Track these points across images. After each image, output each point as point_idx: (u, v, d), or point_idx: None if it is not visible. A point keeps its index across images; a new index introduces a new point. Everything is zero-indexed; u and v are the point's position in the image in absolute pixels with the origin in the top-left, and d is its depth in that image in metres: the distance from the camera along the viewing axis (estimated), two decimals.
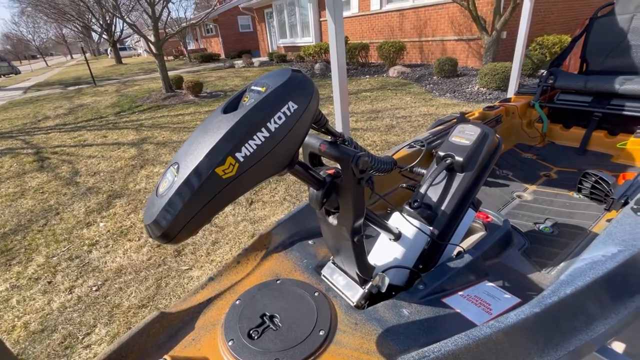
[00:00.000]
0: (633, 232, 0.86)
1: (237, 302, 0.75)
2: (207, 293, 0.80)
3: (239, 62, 15.34)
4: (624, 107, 1.90)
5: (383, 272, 0.85)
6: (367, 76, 9.44)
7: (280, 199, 3.22)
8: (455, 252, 0.99)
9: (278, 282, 0.81)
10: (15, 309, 2.17)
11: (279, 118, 0.49)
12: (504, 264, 1.08)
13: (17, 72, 31.68)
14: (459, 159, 0.98)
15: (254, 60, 15.37)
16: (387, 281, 0.75)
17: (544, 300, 0.70)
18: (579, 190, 1.64)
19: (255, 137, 0.47)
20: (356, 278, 0.76)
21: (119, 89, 11.88)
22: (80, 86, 14.14)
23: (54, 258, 2.65)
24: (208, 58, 19.65)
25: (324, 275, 0.83)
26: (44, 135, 6.55)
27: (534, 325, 0.63)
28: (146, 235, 2.81)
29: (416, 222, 0.88)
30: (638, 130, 1.84)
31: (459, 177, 0.99)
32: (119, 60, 25.68)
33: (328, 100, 7.18)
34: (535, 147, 2.21)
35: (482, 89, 6.61)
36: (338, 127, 2.01)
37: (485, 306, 0.82)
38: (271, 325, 0.68)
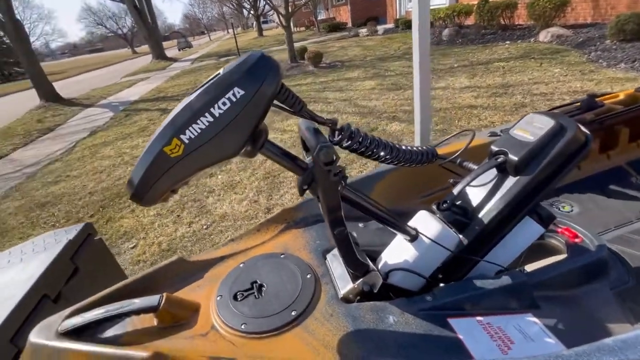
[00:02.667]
0: None
1: (241, 265, 0.82)
2: (224, 251, 0.90)
3: (363, 31, 15.05)
4: None
5: (389, 272, 0.78)
6: (507, 42, 7.88)
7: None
8: (496, 272, 0.81)
9: (282, 256, 0.85)
10: (156, 230, 2.93)
11: (223, 104, 0.49)
12: (576, 300, 0.82)
13: (190, 46, 39.55)
14: (512, 157, 0.76)
15: (378, 28, 14.79)
16: (379, 281, 0.69)
17: (602, 357, 0.50)
18: None
19: (199, 121, 0.49)
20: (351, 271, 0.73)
21: None
22: (228, 57, 16.71)
23: (185, 197, 3.39)
24: (335, 27, 19.96)
25: (327, 261, 0.82)
26: None
27: None
28: (247, 190, 3.28)
29: (438, 226, 0.76)
30: None
31: (510, 181, 0.77)
32: (260, 33, 28.87)
33: (447, 73, 6.41)
34: None
35: None
36: (416, 103, 1.78)
37: (504, 342, 0.66)
38: (255, 293, 0.73)
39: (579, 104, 1.49)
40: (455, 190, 0.81)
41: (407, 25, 13.09)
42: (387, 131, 4.22)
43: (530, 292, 0.78)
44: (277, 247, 0.89)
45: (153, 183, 0.52)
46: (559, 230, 1.01)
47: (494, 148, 0.83)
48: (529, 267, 0.89)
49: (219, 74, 0.53)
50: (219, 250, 0.91)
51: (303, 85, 7.47)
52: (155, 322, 0.70)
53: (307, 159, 0.65)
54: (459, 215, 0.80)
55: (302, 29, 26.43)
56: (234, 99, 0.49)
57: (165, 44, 32.85)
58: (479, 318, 0.72)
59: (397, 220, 0.75)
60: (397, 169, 1.09)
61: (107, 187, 3.99)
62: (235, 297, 0.73)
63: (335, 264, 0.80)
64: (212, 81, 0.51)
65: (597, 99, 1.50)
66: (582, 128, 0.77)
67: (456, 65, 6.85)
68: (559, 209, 1.31)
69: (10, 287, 0.85)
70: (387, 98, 5.60)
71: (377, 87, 6.30)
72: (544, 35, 7.30)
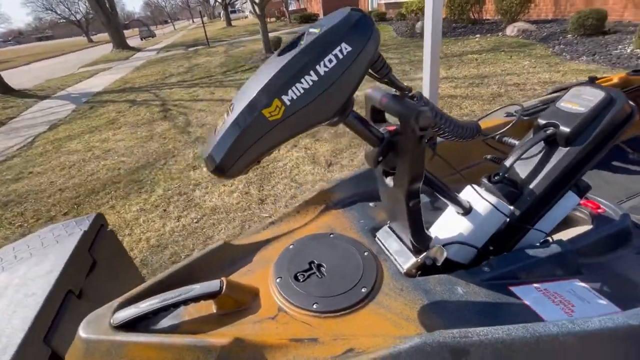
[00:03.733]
0: None
1: (291, 247, 0.79)
2: (267, 234, 0.86)
3: None
4: None
5: (444, 246, 0.79)
6: (478, 35, 8.20)
7: (358, 162, 3.21)
8: (541, 241, 0.84)
9: (331, 235, 0.83)
10: (142, 226, 2.76)
11: (330, 61, 0.45)
12: (609, 266, 0.87)
13: (154, 35, 37.43)
14: (564, 129, 0.78)
15: None
16: (444, 254, 0.69)
17: None
18: None
19: (303, 80, 0.45)
20: (410, 246, 0.72)
21: (226, 50, 13.05)
22: (197, 47, 16.02)
23: (169, 192, 3.22)
24: (307, 18, 19.74)
25: (378, 238, 0.81)
26: (168, 90, 7.74)
27: (622, 340, 0.50)
28: (237, 182, 3.18)
29: (492, 198, 0.76)
30: None
31: (561, 152, 0.79)
32: (229, 22, 27.89)
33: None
34: None
35: (638, 50, 5.09)
36: (425, 90, 1.82)
37: (566, 306, 0.69)
38: (317, 273, 0.71)
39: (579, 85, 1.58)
40: (508, 163, 0.81)
41: (379, 17, 13.22)
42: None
43: (575, 259, 0.82)
44: (322, 228, 0.87)
45: (244, 152, 0.47)
46: (582, 202, 1.07)
47: (542, 121, 0.84)
48: (561, 236, 0.94)
49: (311, 32, 0.49)
50: (260, 234, 0.87)
51: None
52: (214, 308, 0.65)
53: (381, 129, 0.62)
54: (511, 186, 0.82)
55: (272, 19, 25.86)
56: (340, 56, 0.46)
57: (125, 32, 30.80)
58: (536, 285, 0.75)
59: (454, 194, 0.75)
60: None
61: (79, 182, 3.71)
62: (296, 278, 0.70)
63: (390, 240, 0.79)
64: (312, 39, 0.47)
65: (597, 81, 1.60)
66: (630, 102, 0.80)
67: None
68: None
69: (30, 284, 0.75)
70: (362, 87, 5.64)
71: None
72: (511, 30, 7.67)
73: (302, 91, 0.46)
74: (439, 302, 0.63)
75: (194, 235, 2.55)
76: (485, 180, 0.83)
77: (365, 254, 0.76)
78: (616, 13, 6.66)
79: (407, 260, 0.73)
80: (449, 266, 0.77)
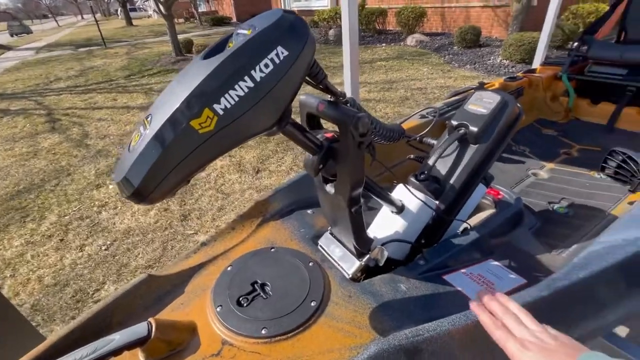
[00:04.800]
0: None
1: (229, 269, 0.73)
2: (199, 258, 0.78)
3: None
4: None
5: (383, 245, 0.81)
6: (384, 44, 8.98)
7: (287, 167, 3.18)
8: (461, 229, 0.94)
9: (272, 250, 0.79)
10: (30, 263, 2.26)
11: (266, 65, 0.42)
12: (512, 243, 1.03)
13: (29, 32, 31.38)
14: (473, 128, 0.90)
15: None
16: (385, 254, 0.71)
17: (553, 284, 0.65)
18: (602, 170, 1.53)
19: (237, 86, 0.41)
20: (353, 250, 0.73)
21: (129, 52, 11.68)
22: (90, 48, 13.95)
23: (66, 217, 2.72)
24: (219, 21, 18.94)
25: (320, 246, 0.80)
26: (55, 96, 6.55)
27: (539, 309, 0.59)
28: None
29: (421, 195, 0.83)
30: None
31: (472, 149, 0.91)
32: (129, 21, 25.04)
33: (339, 70, 6.90)
34: (558, 123, 2.06)
35: (504, 61, 6.23)
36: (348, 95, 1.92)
37: (488, 285, 0.79)
38: (262, 294, 0.66)
39: (473, 90, 1.84)
40: (431, 161, 0.90)
41: None
42: None
43: (489, 242, 0.93)
44: (261, 243, 0.82)
45: (169, 171, 0.40)
46: (487, 190, 1.24)
47: (454, 122, 0.94)
48: (472, 221, 1.07)
49: (241, 33, 0.44)
50: (191, 259, 0.78)
51: None
52: (142, 358, 0.55)
53: (319, 135, 0.61)
54: (435, 183, 0.89)
55: (181, 20, 24.13)
56: (277, 61, 0.42)
57: None
58: (463, 270, 0.83)
59: (388, 194, 0.79)
60: None
61: None
62: (239, 303, 0.64)
63: (332, 246, 0.78)
64: (244, 41, 0.42)
65: (485, 86, 1.88)
66: (517, 104, 0.95)
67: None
68: None
69: None
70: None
71: None
72: (410, 40, 8.62)
73: (236, 99, 0.41)
74: (386, 303, 0.65)
75: (103, 265, 2.19)
76: (413, 179, 0.89)
77: (310, 264, 0.74)
78: (486, 30, 8.05)
79: (351, 265, 0.73)
80: (388, 264, 0.81)
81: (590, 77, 1.99)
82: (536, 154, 1.76)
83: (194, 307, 0.66)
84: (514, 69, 5.91)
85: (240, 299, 0.65)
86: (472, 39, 7.14)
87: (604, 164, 1.51)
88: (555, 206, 1.35)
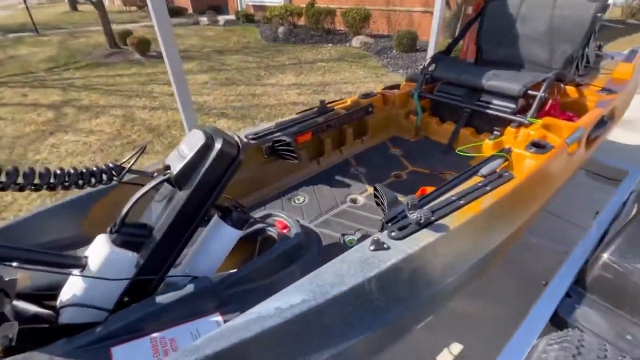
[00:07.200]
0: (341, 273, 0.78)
1: None
2: None
3: (204, 19, 14.18)
4: (489, 105, 1.81)
5: (59, 310, 0.75)
6: (330, 45, 9.00)
7: None
8: (189, 280, 0.87)
9: None
10: None
11: None
12: (274, 285, 0.93)
13: None
14: (173, 172, 0.81)
15: (219, 18, 14.23)
16: (14, 330, 0.63)
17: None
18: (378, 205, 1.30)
19: None
20: None
21: (63, 41, 10.80)
22: (22, 34, 12.74)
23: None
24: (176, 12, 17.98)
25: None
26: None
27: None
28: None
29: (107, 249, 0.76)
30: (495, 132, 1.75)
31: (179, 194, 0.82)
32: (73, 6, 23.13)
33: (278, 70, 6.83)
34: (410, 141, 2.09)
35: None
36: (183, 118, 1.89)
37: (165, 354, 0.71)
38: None
39: (315, 109, 1.84)
40: (124, 211, 0.79)
41: (247, 18, 13.15)
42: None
43: (220, 292, 0.86)
44: None
45: None
46: (276, 222, 1.19)
47: (166, 162, 0.86)
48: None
49: None
50: None
51: (125, 77, 6.48)
52: None
53: None
54: (133, 234, 0.81)
55: (134, 8, 22.65)
56: None
57: None
58: (153, 335, 0.75)
59: (55, 256, 0.72)
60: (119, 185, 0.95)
61: None
62: None
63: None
64: None
65: (328, 105, 1.87)
66: (235, 141, 0.86)
67: (287, 63, 7.36)
68: (295, 202, 1.53)
69: None
70: (219, 93, 5.52)
71: (210, 82, 6.12)
72: (356, 41, 8.70)
73: None
74: None
75: None
76: (107, 234, 0.80)
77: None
78: (426, 35, 8.30)
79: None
80: (85, 329, 0.73)
81: (436, 97, 2.05)
82: (367, 177, 1.72)
83: None
84: None
85: None
86: (409, 44, 7.34)
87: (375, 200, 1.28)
88: (348, 238, 1.28)
